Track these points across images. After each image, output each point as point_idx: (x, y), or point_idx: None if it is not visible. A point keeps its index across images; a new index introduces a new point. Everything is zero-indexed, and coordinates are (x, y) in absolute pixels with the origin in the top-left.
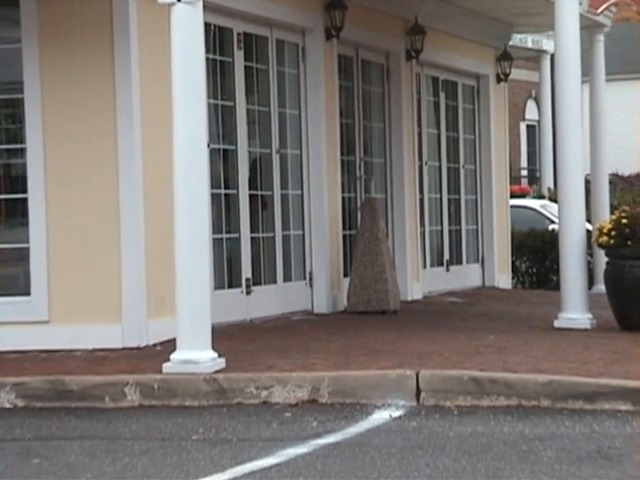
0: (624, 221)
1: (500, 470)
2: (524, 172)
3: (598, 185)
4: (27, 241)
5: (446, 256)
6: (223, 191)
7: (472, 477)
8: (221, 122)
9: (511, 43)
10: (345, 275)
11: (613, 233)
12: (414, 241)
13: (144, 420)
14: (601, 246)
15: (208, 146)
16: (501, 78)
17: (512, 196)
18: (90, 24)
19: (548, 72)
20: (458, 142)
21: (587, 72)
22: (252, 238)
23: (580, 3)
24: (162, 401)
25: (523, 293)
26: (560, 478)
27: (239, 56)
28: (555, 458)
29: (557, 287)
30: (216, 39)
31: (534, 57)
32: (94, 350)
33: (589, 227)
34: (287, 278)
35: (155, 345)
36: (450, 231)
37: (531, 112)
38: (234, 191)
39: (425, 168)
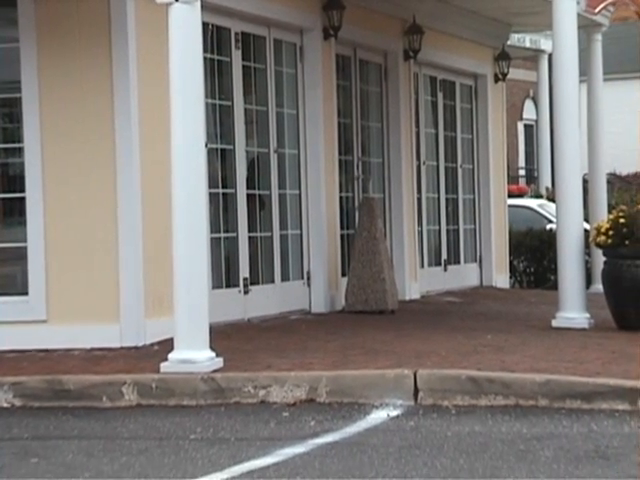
0: (622, 221)
1: (498, 469)
2: (522, 172)
3: (596, 185)
4: (25, 240)
5: (444, 256)
6: (221, 190)
7: (470, 476)
8: (219, 122)
9: (509, 43)
10: (343, 275)
11: (611, 233)
12: (412, 241)
13: (142, 419)
14: (599, 246)
15: (206, 146)
16: (499, 78)
17: (510, 196)
18: (88, 24)
19: (546, 72)
20: (456, 142)
21: (585, 72)
22: (250, 237)
23: (578, 2)
24: (160, 400)
25: (521, 293)
26: (558, 477)
27: (237, 56)
28: (553, 457)
29: (555, 287)
30: (214, 39)
31: (532, 57)
32: (92, 349)
33: (587, 227)
34: (285, 277)
35: (153, 345)
36: (448, 231)
37: (529, 112)
38: (232, 190)
39: (423, 168)
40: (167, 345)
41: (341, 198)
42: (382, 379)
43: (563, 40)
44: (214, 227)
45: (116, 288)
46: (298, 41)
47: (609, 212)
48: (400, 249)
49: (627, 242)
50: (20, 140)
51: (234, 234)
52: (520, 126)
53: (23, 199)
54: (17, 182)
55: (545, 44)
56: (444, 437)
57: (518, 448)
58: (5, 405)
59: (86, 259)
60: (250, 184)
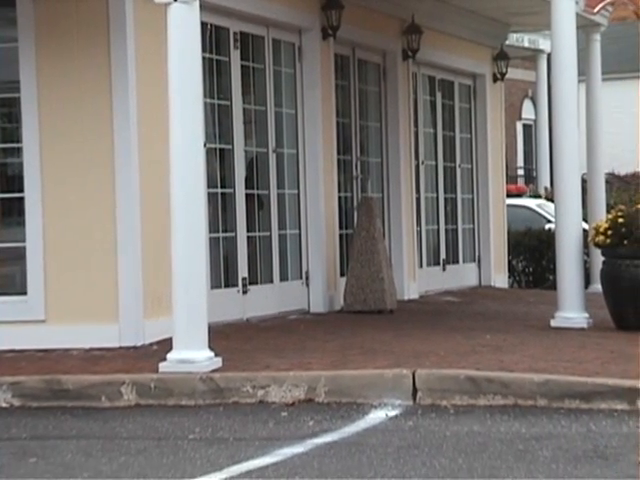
0: (620, 220)
1: (496, 469)
2: (520, 171)
3: (594, 184)
4: (24, 240)
5: (442, 255)
6: (219, 190)
7: (468, 476)
8: (217, 121)
9: (507, 42)
10: (342, 274)
11: (609, 232)
12: (410, 240)
13: (140, 419)
14: (597, 245)
15: (204, 145)
16: (497, 77)
17: (509, 195)
18: (87, 23)
19: (544, 71)
20: (454, 141)
21: (583, 71)
22: (248, 237)
23: (576, 2)
24: (158, 400)
25: (519, 292)
26: (556, 477)
27: (235, 55)
28: (551, 457)
29: (553, 286)
30: (212, 38)
31: (530, 56)
32: (90, 349)
33: (585, 226)
34: (283, 277)
35: (151, 344)
36: (447, 230)
37: (527, 111)
38: (230, 190)
39: (422, 167)
40: (166, 345)
41: (340, 198)
42: (381, 379)
43: (562, 40)
44: (213, 227)
45: (115, 288)
46: (297, 41)
47: (608, 212)
48: (399, 249)
49: (626, 242)
50: (19, 140)
51: (233, 234)
52: (519, 126)
53: (22, 199)
54: (16, 182)
55: (544, 44)
56: (443, 437)
57: (517, 448)
58: (4, 405)
59: (85, 259)
60: (249, 184)
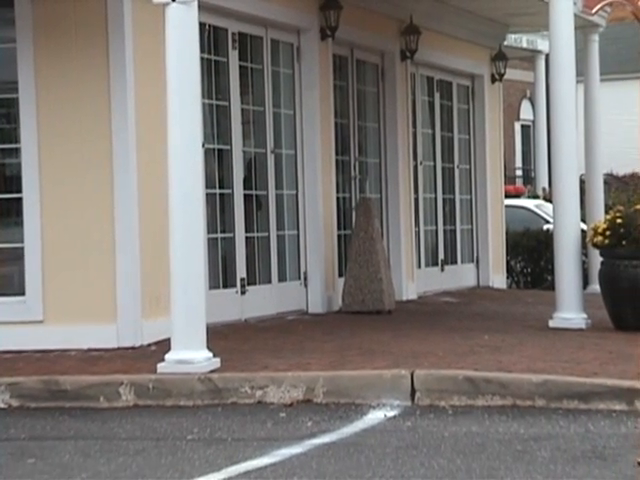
0: (619, 221)
1: (495, 470)
2: (519, 172)
3: (593, 185)
4: (22, 241)
5: (441, 256)
6: (218, 191)
7: (467, 477)
8: (216, 122)
9: (506, 43)
10: (340, 275)
11: (608, 233)
12: (409, 241)
13: (139, 420)
14: (596, 246)
15: (203, 146)
16: (496, 78)
17: (507, 196)
18: (85, 24)
19: (543, 72)
20: (453, 142)
21: (582, 72)
22: (247, 238)
23: (574, 3)
24: (157, 401)
25: (518, 293)
26: (555, 478)
27: (234, 56)
28: (550, 458)
29: (552, 287)
30: (211, 39)
31: (529, 57)
32: (89, 350)
33: (584, 227)
34: (282, 278)
35: (150, 345)
36: (445, 231)
37: (526, 112)
38: (229, 191)
39: (420, 168)
40: (164, 345)
41: (338, 198)
42: (379, 379)
43: (560, 41)
44: (211, 227)
45: (113, 288)
46: (295, 41)
47: (606, 212)
48: (397, 249)
49: (624, 242)
50: (17, 141)
51: (231, 234)
52: (517, 126)
53: (20, 200)
54: (14, 183)
55: (542, 44)
56: (441, 437)
57: (515, 448)
58: (2, 406)
59: (83, 259)
60: (247, 184)
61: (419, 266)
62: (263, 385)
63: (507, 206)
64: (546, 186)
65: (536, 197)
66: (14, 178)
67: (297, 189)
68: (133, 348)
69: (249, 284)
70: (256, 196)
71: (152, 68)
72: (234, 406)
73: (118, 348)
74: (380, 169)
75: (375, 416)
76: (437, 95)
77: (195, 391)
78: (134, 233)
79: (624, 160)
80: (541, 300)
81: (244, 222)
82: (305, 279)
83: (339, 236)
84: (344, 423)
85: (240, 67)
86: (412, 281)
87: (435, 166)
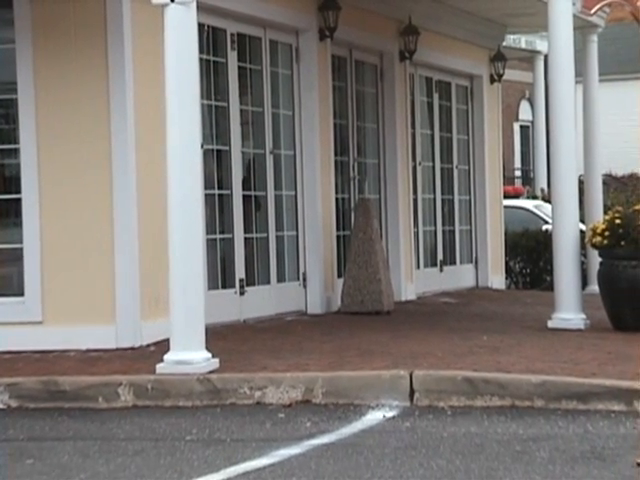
0: (617, 221)
1: (494, 470)
2: (518, 172)
3: (592, 185)
4: (21, 241)
5: (440, 256)
6: (217, 192)
7: (466, 477)
8: (215, 123)
9: (504, 44)
10: (339, 276)
11: (607, 233)
12: (408, 241)
13: (137, 420)
14: (595, 246)
15: (202, 147)
16: (494, 79)
17: (506, 196)
18: (84, 25)
19: (542, 73)
20: (452, 143)
21: (580, 73)
22: (246, 239)
23: (573, 3)
24: (156, 401)
25: (517, 293)
26: (554, 478)
27: (232, 57)
28: (549, 458)
29: (551, 287)
30: (210, 40)
31: (528, 58)
32: (87, 350)
33: (583, 227)
34: (281, 279)
35: (149, 345)
36: (444, 231)
37: (525, 113)
38: (228, 192)
39: (419, 169)
40: (163, 346)
41: (337, 199)
42: (378, 380)
43: (559, 41)
44: (210, 228)
45: (112, 289)
46: (294, 42)
47: (605, 213)
48: (396, 250)
49: (623, 243)
50: (16, 141)
51: (230, 235)
52: (516, 127)
53: (19, 200)
54: (13, 183)
55: (541, 45)
56: (440, 438)
57: (514, 449)
58: (1, 406)
59: (82, 260)
60: (246, 185)
61: (418, 267)
62: (262, 386)
63: (506, 207)
64: (545, 187)
65: (535, 198)
66: (13, 179)
67: (296, 190)
68: (132, 349)
69: (248, 285)
70: (255, 197)
71: (151, 69)
72: (233, 407)
73: (117, 349)
74: (379, 170)
75: (374, 417)
76: (436, 96)
77: (194, 392)
78: (133, 234)
79: (623, 161)
80: (540, 301)
81: (243, 223)
82: (304, 280)
83: (338, 237)
84: (343, 424)
85: (239, 68)
86: (411, 282)
87: (434, 167)
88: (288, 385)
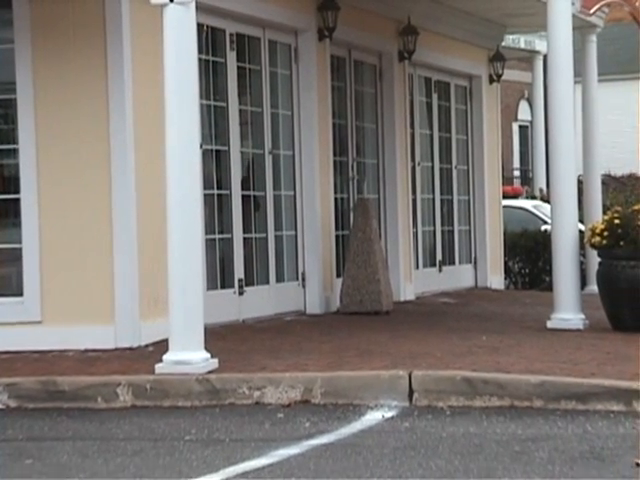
0: (616, 221)
1: (493, 470)
2: (517, 173)
3: (591, 185)
4: (20, 242)
5: (439, 257)
6: (216, 192)
7: (465, 477)
8: (214, 123)
9: (504, 44)
10: (338, 276)
11: (606, 233)
12: (407, 242)
13: (136, 420)
14: (594, 246)
15: (201, 147)
16: (493, 79)
17: (505, 197)
18: (83, 25)
19: (541, 73)
20: (450, 143)
21: (579, 73)
22: (245, 239)
23: (572, 3)
24: (154, 402)
25: (516, 294)
26: (553, 478)
27: (231, 57)
28: (548, 459)
29: (550, 288)
30: (209, 40)
31: (527, 58)
32: (86, 351)
33: (582, 227)
34: (280, 279)
35: (148, 346)
36: (443, 232)
37: (524, 113)
38: (227, 192)
39: (418, 169)
40: (162, 346)
41: (336, 199)
42: (377, 380)
43: (558, 41)
44: (209, 228)
45: (111, 289)
46: (293, 42)
47: (604, 213)
48: (395, 250)
49: (622, 243)
50: (15, 142)
51: (229, 235)
52: (515, 127)
53: (18, 200)
54: (12, 183)
55: (540, 45)
56: (439, 438)
57: (513, 449)
58: (0, 406)
59: (81, 260)
60: (245, 185)
61: (417, 267)
62: (261, 386)
63: (505, 207)
64: (544, 187)
65: (534, 198)
66: (12, 179)
67: (295, 190)
68: (131, 349)
69: (247, 285)
70: (254, 197)
71: (150, 69)
72: (232, 407)
73: (116, 349)
74: (378, 170)
75: (373, 417)
76: (435, 96)
77: (193, 392)
78: (132, 234)
79: (622, 161)
80: (539, 301)
81: (242, 223)
82: (303, 280)
83: (337, 237)
84: (342, 424)
85: (238, 68)
86: (410, 282)
87: (433, 167)
88: (287, 385)
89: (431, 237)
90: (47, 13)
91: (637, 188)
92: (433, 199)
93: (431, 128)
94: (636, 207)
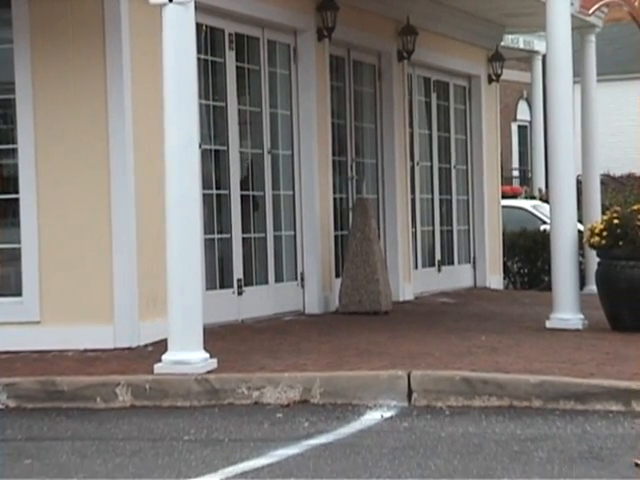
0: (615, 221)
1: (492, 470)
2: (515, 173)
3: (590, 185)
4: (19, 241)
5: (438, 257)
6: (215, 192)
7: (464, 477)
8: (213, 123)
9: (503, 44)
10: (337, 276)
11: (605, 234)
12: (406, 242)
13: (135, 420)
14: (593, 246)
15: (200, 147)
16: (493, 79)
17: (504, 196)
18: (82, 25)
19: (540, 73)
20: (450, 142)
21: (578, 73)
22: (244, 239)
23: (571, 3)
24: (153, 402)
25: (515, 294)
26: (552, 478)
27: (231, 56)
28: (547, 458)
29: (549, 288)
30: (208, 39)
31: (526, 58)
32: (85, 351)
33: (581, 227)
34: (279, 279)
35: (147, 346)
36: (442, 231)
37: (523, 113)
38: (226, 192)
39: (417, 168)
40: (161, 346)
41: (335, 199)
42: (376, 380)
43: (557, 41)
44: (208, 228)
45: (110, 289)
46: (292, 42)
47: (603, 213)
48: (394, 250)
49: (621, 243)
50: (14, 141)
51: (228, 235)
52: (514, 127)
53: (17, 200)
54: (11, 183)
55: (539, 45)
56: (438, 438)
57: (512, 449)
58: None
59: (80, 260)
60: (244, 185)
61: (416, 267)
62: (260, 386)
63: (504, 207)
64: (542, 187)
65: (533, 198)
66: (11, 179)
67: (294, 190)
68: (130, 349)
69: (246, 285)
70: (253, 197)
71: (149, 69)
72: (231, 407)
73: (115, 349)
74: (377, 170)
75: (372, 417)
76: (434, 96)
77: (192, 392)
78: (131, 234)
79: (621, 161)
80: (538, 301)
81: (241, 223)
82: (302, 280)
83: (336, 237)
84: (341, 424)
85: (237, 68)
86: (409, 282)
87: (432, 167)
88: (286, 385)
89: (430, 237)
90: (46, 13)
91: (636, 188)
92: (432, 199)
93: (430, 128)
94: (635, 207)
